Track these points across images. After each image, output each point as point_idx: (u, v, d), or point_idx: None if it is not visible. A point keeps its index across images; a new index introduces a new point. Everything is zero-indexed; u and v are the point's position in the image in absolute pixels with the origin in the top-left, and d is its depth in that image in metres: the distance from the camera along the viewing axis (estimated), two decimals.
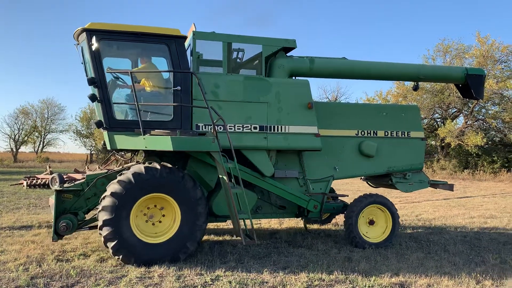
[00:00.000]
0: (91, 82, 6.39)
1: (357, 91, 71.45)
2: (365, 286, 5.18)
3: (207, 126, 6.71)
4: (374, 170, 7.92)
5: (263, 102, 7.00)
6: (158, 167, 6.07)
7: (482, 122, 29.52)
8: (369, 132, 7.82)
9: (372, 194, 7.54)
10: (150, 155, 6.98)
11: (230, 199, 5.94)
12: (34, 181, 7.81)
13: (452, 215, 11.23)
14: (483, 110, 29.63)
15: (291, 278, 5.44)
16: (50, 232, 7.99)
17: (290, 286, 5.11)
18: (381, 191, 10.68)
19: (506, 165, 27.56)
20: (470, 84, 8.34)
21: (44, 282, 5.12)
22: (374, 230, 7.43)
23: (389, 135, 7.91)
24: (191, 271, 5.66)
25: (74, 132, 45.68)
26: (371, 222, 7.44)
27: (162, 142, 5.98)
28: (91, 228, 6.97)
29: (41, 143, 47.86)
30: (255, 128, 6.96)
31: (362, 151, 7.72)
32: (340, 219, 9.41)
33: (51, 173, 8.08)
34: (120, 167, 7.43)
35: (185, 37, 6.75)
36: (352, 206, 7.35)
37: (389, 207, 7.40)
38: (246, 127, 6.91)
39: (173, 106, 6.55)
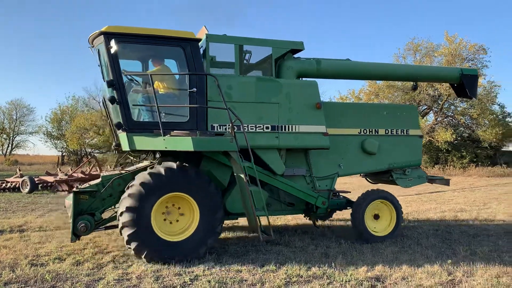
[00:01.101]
0: (110, 84, 6.49)
1: (331, 90, 72.27)
2: (342, 280, 5.28)
3: (221, 127, 6.89)
4: (376, 167, 8.21)
5: (275, 102, 7.21)
6: (176, 167, 6.24)
7: (451, 118, 30.36)
8: (371, 130, 8.13)
9: (376, 189, 7.88)
10: (165, 155, 7.06)
11: (247, 197, 6.10)
12: (4, 184, 7.62)
13: (424, 209, 11.53)
14: (452, 107, 30.48)
15: (270, 275, 5.50)
16: (22, 236, 7.83)
17: (269, 284, 5.17)
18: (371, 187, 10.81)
19: (475, 160, 28.44)
20: (465, 84, 8.73)
21: (19, 287, 5.01)
22: (379, 224, 7.74)
23: (389, 133, 8.24)
24: (170, 271, 5.65)
25: (44, 134, 44.60)
26: (376, 217, 7.75)
27: (183, 142, 6.12)
28: (107, 228, 7.20)
29: (10, 145, 46.59)
30: (267, 128, 7.17)
31: (365, 148, 8.00)
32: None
33: (21, 176, 7.92)
34: (134, 167, 7.50)
35: (199, 40, 6.91)
36: (358, 202, 7.63)
37: (393, 201, 7.74)
38: (258, 127, 7.12)
39: (189, 107, 6.70)
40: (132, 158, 8.53)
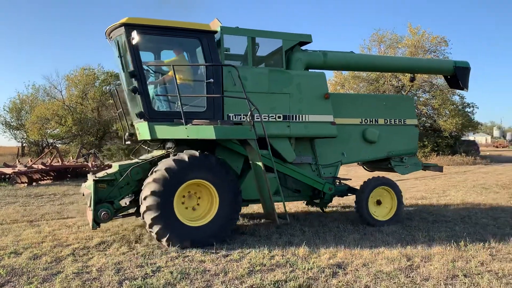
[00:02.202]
0: (132, 75, 6.68)
1: None
2: (305, 268, 5.34)
3: (237, 116, 7.17)
4: (376, 155, 8.61)
5: (286, 93, 7.52)
6: (197, 154, 6.46)
7: None
8: (371, 120, 8.51)
9: (379, 177, 8.26)
10: (180, 144, 7.19)
11: (264, 184, 6.42)
12: None
13: None
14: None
15: (233, 265, 5.49)
16: None
17: (232, 273, 5.16)
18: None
19: (436, 149, 29.30)
20: (458, 76, 9.24)
21: None
22: (381, 209, 8.15)
23: (388, 123, 8.64)
24: (131, 263, 5.55)
25: (2, 124, 42.87)
26: (378, 202, 8.13)
27: (205, 131, 6.40)
28: (124, 216, 7.55)
29: None
30: (279, 117, 7.48)
31: (366, 137, 8.39)
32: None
33: None
34: (150, 156, 7.59)
35: (216, 32, 7.12)
36: (362, 189, 8.01)
37: (394, 188, 8.14)
38: (271, 116, 7.41)
39: (206, 97, 6.95)
40: (146, 147, 8.58)
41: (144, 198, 6.23)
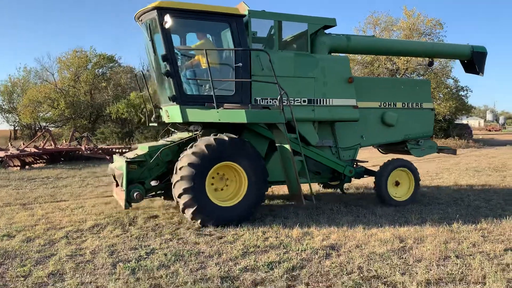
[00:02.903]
0: (164, 58, 6.73)
1: None
2: (298, 250, 5.36)
3: (263, 100, 7.28)
4: (393, 138, 8.78)
5: (311, 77, 7.58)
6: (227, 138, 6.58)
7: None
8: (389, 104, 8.62)
9: (398, 159, 8.53)
10: (207, 127, 7.26)
11: (291, 166, 6.62)
12: None
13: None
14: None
15: (227, 246, 5.51)
16: None
17: (226, 255, 5.17)
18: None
19: None
20: (475, 60, 9.36)
21: None
22: (400, 190, 8.39)
23: (406, 106, 8.76)
24: (125, 246, 5.55)
25: None
26: (397, 183, 8.36)
27: (237, 115, 6.56)
28: (153, 196, 7.75)
29: None
30: (304, 101, 7.57)
31: (385, 121, 8.53)
32: (275, 188, 9.64)
33: None
34: (177, 138, 7.68)
35: (245, 16, 7.15)
36: (382, 170, 8.24)
37: (413, 169, 8.37)
38: (296, 100, 7.48)
39: (235, 81, 7.02)
40: (173, 130, 8.71)
41: (180, 168, 6.35)
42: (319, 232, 6.20)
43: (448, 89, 29.67)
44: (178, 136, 7.93)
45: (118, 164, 7.27)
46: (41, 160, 16.65)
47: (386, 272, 4.61)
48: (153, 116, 8.18)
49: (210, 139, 6.53)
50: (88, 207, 8.09)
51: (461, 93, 30.91)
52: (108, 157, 17.21)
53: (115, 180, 7.84)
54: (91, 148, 18.14)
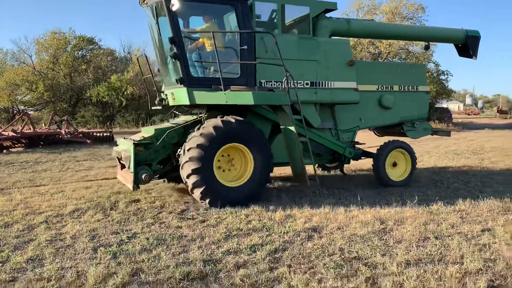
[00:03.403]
0: (172, 41, 6.76)
1: None
2: (281, 232, 5.39)
3: (268, 83, 7.39)
4: (390, 120, 8.98)
5: (313, 60, 7.69)
6: (233, 120, 6.71)
7: None
8: (387, 87, 8.77)
9: (395, 140, 8.75)
10: (211, 110, 7.41)
11: (296, 148, 6.82)
12: None
13: (361, 162, 11.93)
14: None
15: (210, 230, 5.50)
16: None
17: (209, 238, 5.17)
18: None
19: None
20: (469, 44, 9.65)
21: None
22: (397, 171, 8.66)
23: (402, 90, 8.93)
24: (106, 230, 5.50)
25: None
26: (394, 164, 8.65)
27: (244, 96, 6.67)
28: (160, 177, 7.95)
29: None
30: (307, 84, 7.68)
31: (382, 103, 8.69)
32: None
33: None
34: (182, 121, 7.81)
35: None
36: (380, 151, 8.49)
37: (410, 151, 8.66)
38: (299, 83, 7.55)
39: (240, 64, 7.09)
40: (177, 112, 8.82)
41: (188, 150, 6.46)
42: (301, 214, 6.24)
43: (429, 73, 29.97)
44: (182, 119, 8.04)
45: (125, 146, 7.34)
46: (19, 144, 16.32)
47: (367, 253, 4.67)
48: (157, 99, 8.23)
49: (218, 121, 6.65)
50: (68, 192, 7.98)
51: (442, 77, 31.32)
52: (89, 141, 16.97)
53: (120, 162, 7.92)
54: (71, 132, 17.83)
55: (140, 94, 35.25)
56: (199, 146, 6.42)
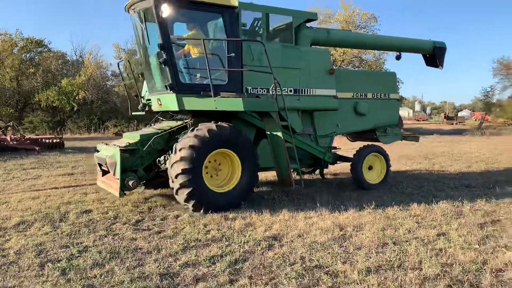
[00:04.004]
0: (162, 47, 6.77)
1: None
2: (241, 242, 5.26)
3: (254, 89, 7.54)
4: (365, 126, 9.28)
5: (297, 68, 7.94)
6: (227, 126, 6.84)
7: None
8: (361, 94, 9.09)
9: (371, 144, 9.18)
10: (196, 116, 7.47)
11: (282, 153, 7.01)
12: None
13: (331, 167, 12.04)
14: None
15: (167, 241, 5.28)
16: None
17: (165, 250, 4.96)
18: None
19: None
20: (436, 55, 10.20)
21: None
22: (373, 174, 9.05)
23: (375, 97, 9.28)
24: (54, 244, 5.17)
25: None
26: (370, 168, 9.02)
27: (234, 103, 6.78)
28: (145, 185, 8.03)
29: None
30: (290, 91, 7.92)
31: (357, 110, 8.99)
32: None
33: None
34: (166, 126, 7.77)
35: (236, 7, 7.22)
36: (357, 156, 8.81)
37: (384, 154, 9.08)
38: (283, 90, 7.69)
39: (227, 71, 7.19)
40: (161, 119, 8.73)
41: (180, 149, 6.45)
42: (261, 222, 6.14)
43: None
44: (165, 124, 8.02)
45: (109, 152, 7.21)
46: None
47: (328, 261, 4.63)
48: (140, 105, 8.24)
49: (212, 125, 6.73)
50: (13, 203, 7.47)
51: None
52: (37, 148, 16.15)
53: (101, 169, 7.81)
54: (17, 138, 16.91)
55: (92, 99, 34.16)
56: (191, 147, 6.42)
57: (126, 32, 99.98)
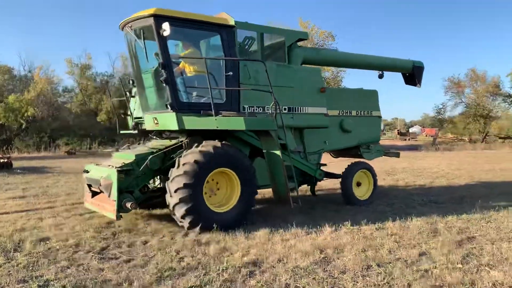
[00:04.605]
0: (163, 66, 6.68)
1: None
2: (219, 269, 4.91)
3: (250, 108, 7.55)
4: (350, 143, 9.41)
5: (290, 86, 7.95)
6: (230, 146, 6.87)
7: None
8: (346, 112, 9.24)
9: (359, 162, 9.40)
10: (192, 135, 7.34)
11: (281, 171, 6.96)
12: None
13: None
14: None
15: (138, 272, 4.85)
16: None
17: (138, 281, 4.52)
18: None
19: None
20: (415, 74, 10.65)
21: None
22: (361, 190, 9.22)
23: (359, 114, 9.45)
24: (10, 278, 4.61)
25: None
26: (358, 184, 9.19)
27: (235, 122, 6.77)
28: (140, 205, 7.48)
29: None
30: (284, 109, 7.92)
31: (343, 127, 9.14)
32: None
33: None
34: (160, 145, 7.61)
35: (234, 26, 7.29)
36: (347, 173, 9.02)
37: (372, 171, 9.31)
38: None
39: (225, 90, 7.16)
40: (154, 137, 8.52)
41: (183, 164, 6.36)
42: (237, 247, 5.80)
43: None
44: (156, 143, 7.90)
45: (103, 173, 6.92)
46: None
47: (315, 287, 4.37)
48: (132, 124, 8.14)
49: (217, 143, 6.72)
50: None
51: None
52: None
53: (91, 190, 7.52)
54: None
55: (42, 116, 32.62)
56: (196, 162, 6.35)
57: (78, 47, 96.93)
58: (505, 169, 17.16)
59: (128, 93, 8.80)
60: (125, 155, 7.48)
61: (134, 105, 8.68)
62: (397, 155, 10.75)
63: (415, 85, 10.85)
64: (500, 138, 41.65)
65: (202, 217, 6.42)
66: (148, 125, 7.65)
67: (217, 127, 6.70)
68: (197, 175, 6.35)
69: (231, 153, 6.83)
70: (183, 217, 6.36)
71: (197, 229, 6.36)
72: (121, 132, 8.76)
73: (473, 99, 43.33)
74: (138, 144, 8.74)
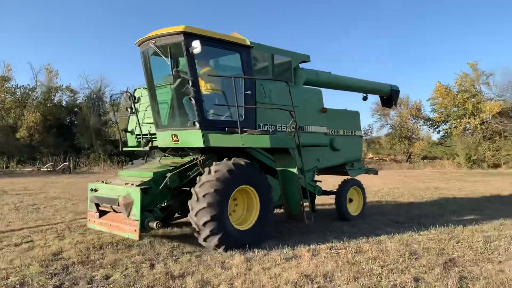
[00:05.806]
0: (192, 83, 6.73)
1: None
2: None
3: (265, 126, 7.74)
4: (338, 161, 9.74)
5: (297, 106, 7.82)
6: (243, 163, 6.80)
7: None
8: (335, 131, 9.52)
9: (350, 179, 9.93)
10: (207, 152, 7.33)
11: (297, 188, 7.22)
12: None
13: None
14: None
15: None
16: None
17: None
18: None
19: None
20: (392, 96, 11.46)
21: None
22: (352, 206, 9.67)
23: (345, 134, 9.80)
24: None
25: None
26: (350, 200, 9.64)
27: (261, 140, 7.04)
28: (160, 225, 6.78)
29: None
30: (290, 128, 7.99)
31: (333, 146, 9.41)
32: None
33: None
34: (175, 163, 7.48)
35: (252, 47, 7.58)
36: (341, 189, 9.48)
37: (362, 188, 9.88)
38: (284, 126, 8.04)
39: (244, 108, 7.24)
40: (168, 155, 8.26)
41: (204, 196, 6.26)
42: (217, 279, 5.13)
43: None
44: (166, 161, 7.86)
45: (120, 192, 6.61)
46: None
47: None
48: (144, 140, 8.03)
49: (229, 163, 6.65)
50: None
51: None
52: None
53: (98, 210, 7.16)
54: None
55: None
56: (217, 191, 6.30)
57: None
58: (440, 188, 17.99)
59: (129, 109, 8.59)
60: (136, 173, 7.32)
61: (137, 121, 8.28)
62: (376, 173, 11.25)
63: (390, 107, 11.77)
64: (422, 158, 44.32)
65: (231, 240, 6.39)
66: (163, 142, 7.51)
67: (242, 144, 6.82)
68: (220, 203, 6.30)
69: (257, 171, 7.00)
70: (217, 246, 6.30)
71: (218, 238, 6.28)
72: (124, 149, 8.77)
73: (397, 121, 45.87)
74: (144, 161, 8.56)
